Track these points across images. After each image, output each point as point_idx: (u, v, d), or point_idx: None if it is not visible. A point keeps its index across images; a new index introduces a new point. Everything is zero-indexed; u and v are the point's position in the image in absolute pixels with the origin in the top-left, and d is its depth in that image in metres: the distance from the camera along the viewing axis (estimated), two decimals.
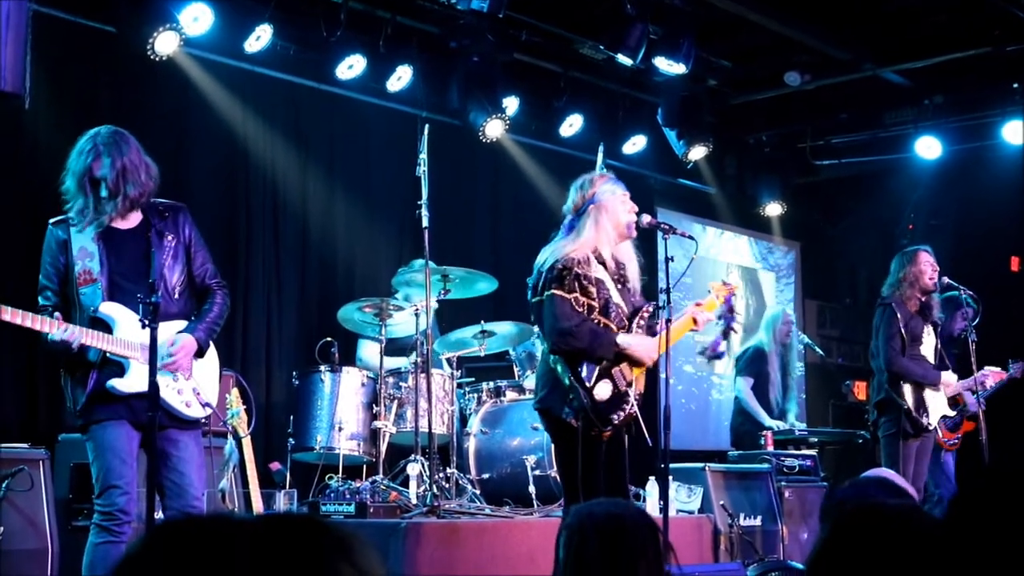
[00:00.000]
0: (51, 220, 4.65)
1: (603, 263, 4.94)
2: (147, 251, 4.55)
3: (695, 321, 5.13)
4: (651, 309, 5.00)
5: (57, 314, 4.46)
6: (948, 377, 7.23)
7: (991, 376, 7.45)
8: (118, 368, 4.51)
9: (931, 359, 7.21)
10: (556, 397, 4.87)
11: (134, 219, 4.67)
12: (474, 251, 9.09)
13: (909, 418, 7.00)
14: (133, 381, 4.48)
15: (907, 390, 7.05)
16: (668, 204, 10.90)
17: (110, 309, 4.52)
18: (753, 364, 8.83)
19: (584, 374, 4.80)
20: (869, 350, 7.43)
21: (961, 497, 1.55)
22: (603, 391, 4.81)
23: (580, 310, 4.82)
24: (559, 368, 4.85)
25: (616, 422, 4.83)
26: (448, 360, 7.27)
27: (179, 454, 4.58)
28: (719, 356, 5.23)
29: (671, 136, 9.79)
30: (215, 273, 4.85)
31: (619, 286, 4.99)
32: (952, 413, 7.28)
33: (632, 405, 4.87)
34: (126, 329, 4.50)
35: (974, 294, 7.32)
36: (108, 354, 4.49)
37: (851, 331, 12.67)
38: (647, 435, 4.89)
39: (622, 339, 4.84)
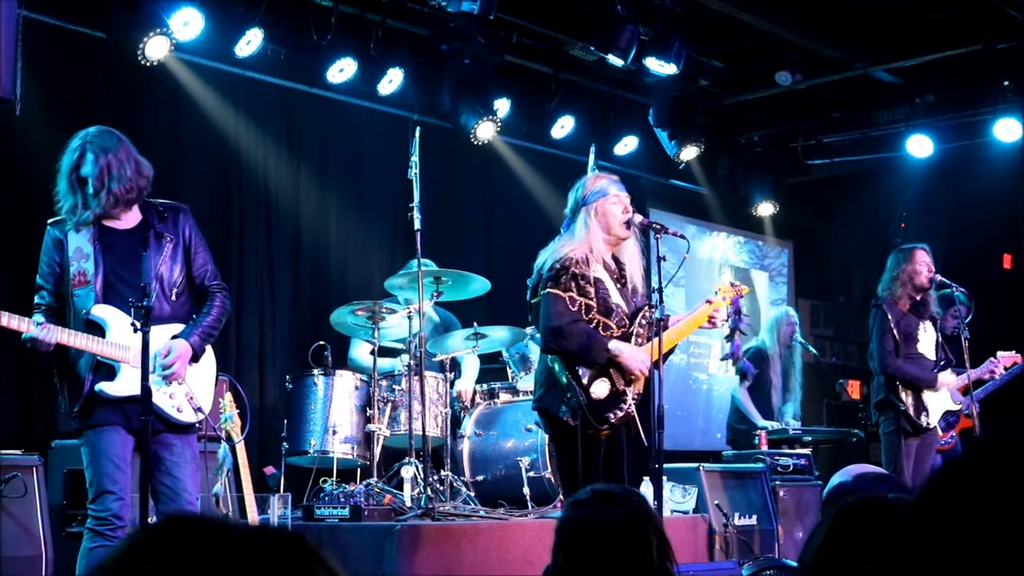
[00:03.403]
0: (49, 220, 4.64)
1: (601, 263, 4.95)
2: (142, 252, 4.53)
3: (711, 320, 5.12)
4: (654, 309, 4.95)
5: (37, 315, 4.45)
6: (946, 377, 7.18)
7: (1002, 360, 7.35)
8: (110, 371, 4.49)
9: (931, 355, 7.16)
10: (553, 396, 4.87)
11: (132, 220, 4.64)
12: (466, 253, 9.08)
13: (907, 418, 6.99)
14: (122, 385, 4.46)
15: (904, 391, 7.04)
16: (660, 205, 10.90)
17: (103, 312, 4.50)
18: (752, 365, 8.82)
19: (581, 372, 4.80)
20: (868, 351, 7.41)
21: (928, 486, 1.55)
22: (600, 389, 4.81)
23: (574, 309, 4.82)
24: (556, 367, 4.85)
25: (613, 421, 4.82)
26: (441, 362, 7.28)
27: (173, 458, 4.57)
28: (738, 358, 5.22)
29: (663, 137, 9.79)
30: (215, 275, 4.80)
31: (619, 286, 5.00)
32: (956, 408, 7.22)
33: (630, 404, 4.85)
34: (119, 332, 4.48)
35: (967, 291, 7.30)
36: (99, 357, 4.48)
37: (844, 330, 12.66)
38: (643, 435, 4.88)
39: (613, 345, 4.82)
